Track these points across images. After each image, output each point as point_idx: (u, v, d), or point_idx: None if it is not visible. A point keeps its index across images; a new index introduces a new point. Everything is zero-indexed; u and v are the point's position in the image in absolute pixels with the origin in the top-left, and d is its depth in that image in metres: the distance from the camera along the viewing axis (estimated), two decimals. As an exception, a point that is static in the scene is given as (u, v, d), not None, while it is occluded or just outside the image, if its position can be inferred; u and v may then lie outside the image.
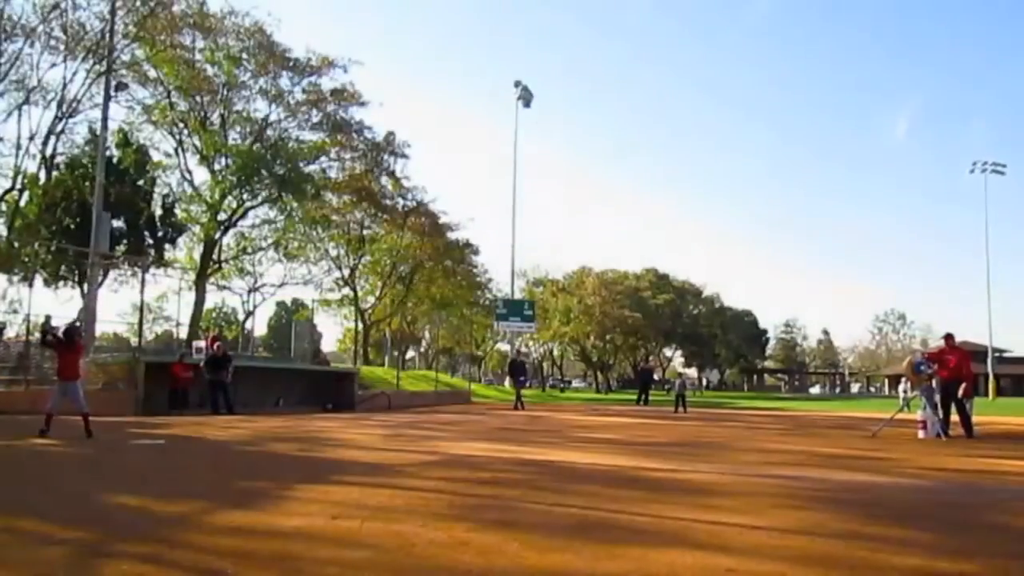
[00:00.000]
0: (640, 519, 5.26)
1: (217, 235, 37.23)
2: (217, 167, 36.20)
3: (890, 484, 7.62)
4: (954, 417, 14.51)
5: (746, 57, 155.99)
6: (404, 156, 46.53)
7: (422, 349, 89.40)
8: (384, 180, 47.05)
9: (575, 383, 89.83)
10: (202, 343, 25.88)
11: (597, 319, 67.17)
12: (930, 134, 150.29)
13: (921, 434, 14.32)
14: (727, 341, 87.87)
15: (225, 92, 36.23)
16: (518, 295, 55.44)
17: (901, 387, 30.47)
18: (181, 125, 36.04)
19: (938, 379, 14.75)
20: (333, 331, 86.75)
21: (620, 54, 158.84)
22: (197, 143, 36.28)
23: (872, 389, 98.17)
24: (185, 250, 38.78)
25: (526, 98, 52.06)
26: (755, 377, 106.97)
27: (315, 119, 40.04)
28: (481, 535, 4.62)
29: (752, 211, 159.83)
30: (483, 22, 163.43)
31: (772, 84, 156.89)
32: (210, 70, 35.69)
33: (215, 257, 38.79)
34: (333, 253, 49.05)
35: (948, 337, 15.57)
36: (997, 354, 67.85)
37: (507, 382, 48.54)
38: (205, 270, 36.91)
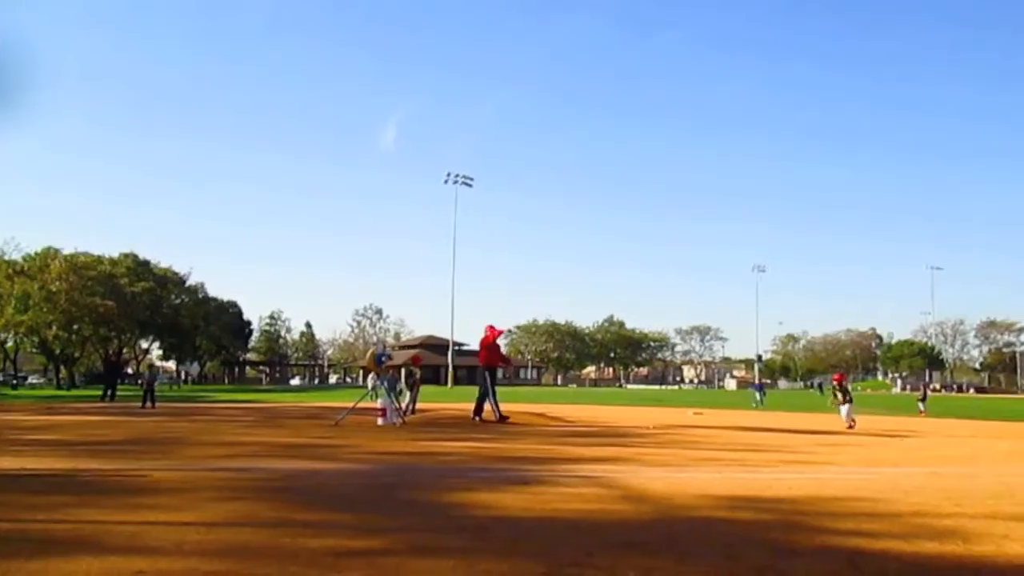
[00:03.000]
0: (57, 527, 4.67)
1: None
2: None
3: (334, 470, 8.00)
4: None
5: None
6: None
7: None
8: None
9: (32, 379, 78.44)
10: None
11: (62, 307, 59.63)
12: (415, 144, 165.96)
13: (380, 421, 15.47)
14: (209, 332, 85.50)
15: None
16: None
17: (370, 378, 32.76)
18: None
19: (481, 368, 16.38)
20: None
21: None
22: None
23: (349, 380, 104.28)
24: None
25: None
26: (236, 369, 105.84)
27: None
28: None
29: (220, 195, 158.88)
30: None
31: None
32: None
33: None
34: None
35: (490, 327, 17.28)
36: (456, 347, 77.94)
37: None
38: None
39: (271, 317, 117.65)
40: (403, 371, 21.92)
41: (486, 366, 16.59)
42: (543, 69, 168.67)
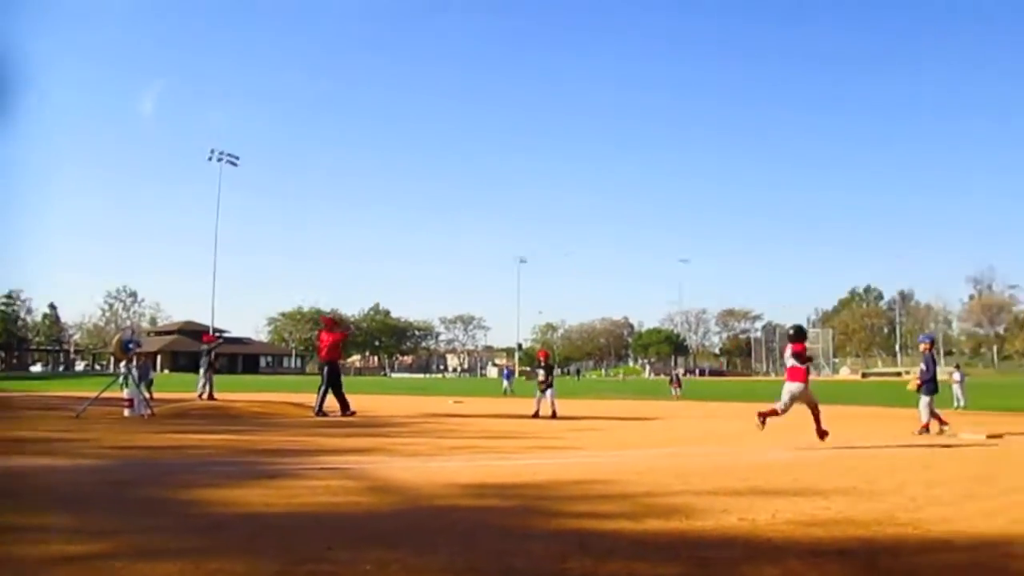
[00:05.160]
0: None
1: None
2: None
3: (67, 467, 7.39)
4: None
5: None
6: None
7: None
8: None
9: None
10: None
11: None
12: (175, 117, 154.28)
13: (127, 412, 14.42)
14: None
15: None
16: None
17: (122, 366, 30.15)
18: None
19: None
20: None
21: None
22: None
23: (99, 367, 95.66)
24: None
25: None
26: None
27: None
28: None
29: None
30: None
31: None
32: None
33: None
34: None
35: (327, 320, 17.48)
36: (218, 334, 73.69)
37: None
38: None
39: (7, 296, 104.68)
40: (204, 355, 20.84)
41: (327, 361, 16.11)
42: (314, 52, 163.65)
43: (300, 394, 26.81)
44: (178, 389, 24.83)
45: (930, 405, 12.26)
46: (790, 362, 10.13)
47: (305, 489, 6.10)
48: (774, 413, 9.93)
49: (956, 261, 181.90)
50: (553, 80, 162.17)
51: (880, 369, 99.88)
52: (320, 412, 15.29)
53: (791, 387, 10.00)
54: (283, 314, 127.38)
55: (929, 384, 12.52)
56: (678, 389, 32.51)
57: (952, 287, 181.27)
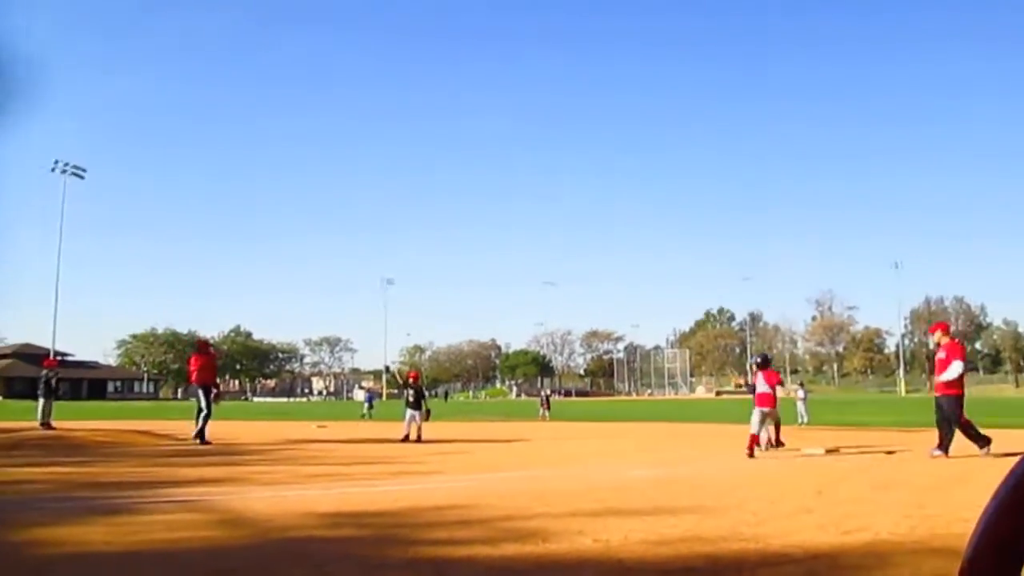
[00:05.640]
0: None
1: None
2: None
3: None
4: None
5: None
6: None
7: None
8: None
9: None
10: None
11: None
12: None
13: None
14: None
15: None
16: None
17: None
18: None
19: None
20: None
21: None
22: None
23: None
24: None
25: None
26: None
27: None
28: None
29: None
30: None
31: None
32: None
33: None
34: None
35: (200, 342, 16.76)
36: (60, 357, 68.82)
37: None
38: None
39: None
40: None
41: (201, 385, 15.22)
42: (170, 62, 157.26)
43: (151, 421, 25.47)
44: (15, 417, 23.03)
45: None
46: (762, 388, 11.56)
47: (150, 525, 5.78)
48: (755, 440, 11.17)
49: (800, 284, 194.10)
50: (429, 94, 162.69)
51: (731, 388, 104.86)
52: (200, 438, 14.73)
53: (762, 411, 11.53)
54: (135, 336, 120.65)
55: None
56: (546, 411, 32.79)
57: (797, 309, 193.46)
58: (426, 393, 17.70)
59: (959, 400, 10.86)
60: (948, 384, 10.93)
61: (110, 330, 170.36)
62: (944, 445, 10.69)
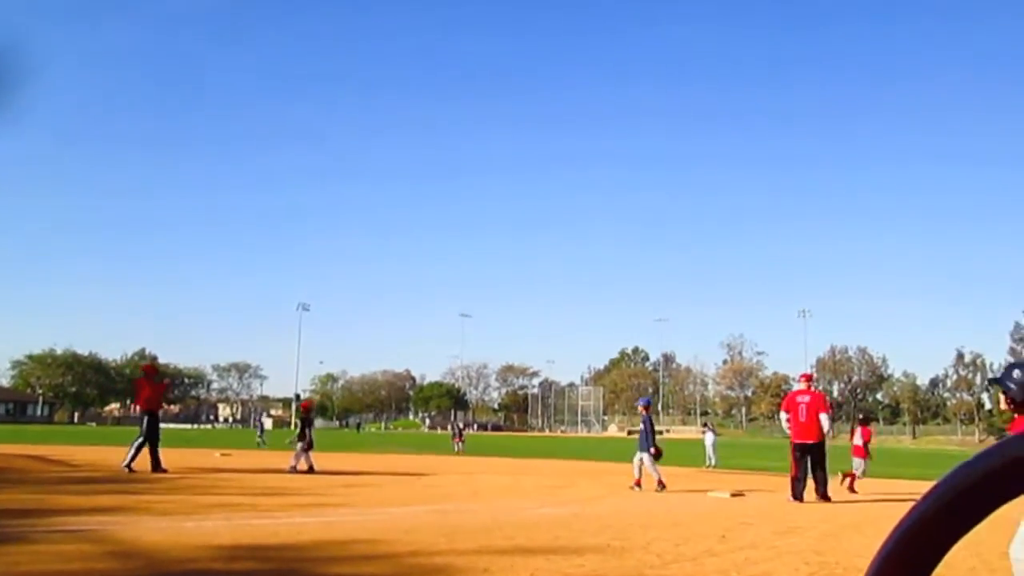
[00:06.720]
0: None
1: None
2: None
3: None
4: None
5: None
6: None
7: None
8: None
9: None
10: None
11: None
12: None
13: None
14: None
15: None
16: None
17: None
18: None
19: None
20: None
21: None
22: None
23: None
24: None
25: None
26: None
27: None
28: None
29: None
30: None
31: None
32: None
33: None
34: None
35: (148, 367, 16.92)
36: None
37: None
38: None
39: None
40: None
41: (146, 412, 14.59)
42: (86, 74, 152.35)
43: (44, 446, 24.26)
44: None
45: (648, 461, 13.17)
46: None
47: (39, 555, 5.49)
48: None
49: (713, 328, 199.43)
50: (347, 117, 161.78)
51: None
52: (129, 467, 14.15)
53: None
54: (31, 357, 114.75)
55: (644, 442, 13.44)
56: (461, 444, 32.50)
57: (709, 352, 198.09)
58: (312, 423, 17.27)
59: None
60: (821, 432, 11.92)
61: (3, 348, 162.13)
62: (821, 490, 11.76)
